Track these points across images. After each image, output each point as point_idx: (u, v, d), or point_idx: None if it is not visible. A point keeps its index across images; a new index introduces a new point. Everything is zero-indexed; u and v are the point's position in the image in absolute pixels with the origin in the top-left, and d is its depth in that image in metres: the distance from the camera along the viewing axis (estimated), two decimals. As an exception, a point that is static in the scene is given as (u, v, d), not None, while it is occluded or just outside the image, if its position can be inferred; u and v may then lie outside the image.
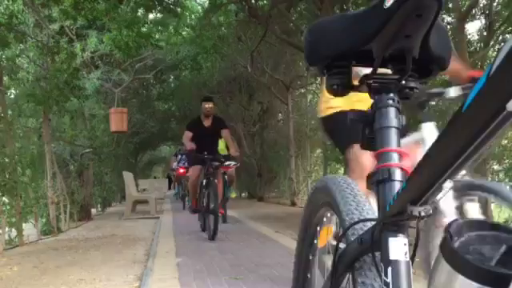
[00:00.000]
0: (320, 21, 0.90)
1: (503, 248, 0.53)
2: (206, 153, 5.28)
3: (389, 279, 0.65)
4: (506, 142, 5.85)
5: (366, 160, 2.04)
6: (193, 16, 11.18)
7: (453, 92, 1.76)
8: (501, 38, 5.84)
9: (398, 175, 0.73)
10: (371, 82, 0.80)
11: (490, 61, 5.54)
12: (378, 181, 0.74)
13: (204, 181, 5.32)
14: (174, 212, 9.15)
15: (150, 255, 4.08)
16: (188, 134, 5.48)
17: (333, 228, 1.02)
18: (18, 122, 7.01)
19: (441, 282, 0.56)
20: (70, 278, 3.34)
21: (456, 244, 0.55)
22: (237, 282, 2.92)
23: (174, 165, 12.47)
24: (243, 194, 16.06)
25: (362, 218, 0.82)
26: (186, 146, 5.55)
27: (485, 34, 6.01)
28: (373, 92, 0.81)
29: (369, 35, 0.75)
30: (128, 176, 9.08)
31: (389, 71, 0.81)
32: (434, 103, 1.85)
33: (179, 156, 11.97)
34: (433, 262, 0.57)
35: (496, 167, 6.27)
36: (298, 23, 8.27)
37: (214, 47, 9.67)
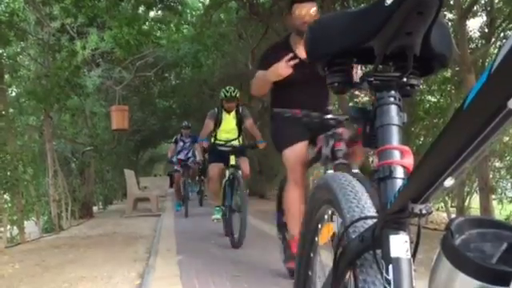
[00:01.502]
0: (321, 18, 0.90)
1: (504, 246, 0.53)
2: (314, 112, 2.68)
3: (390, 276, 0.65)
4: (507, 139, 5.84)
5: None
6: (193, 13, 11.17)
7: None
8: (502, 34, 5.82)
9: (399, 173, 0.73)
10: (372, 79, 0.80)
11: (491, 58, 5.53)
12: (379, 178, 0.74)
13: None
14: (175, 210, 9.15)
15: (152, 253, 4.08)
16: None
17: (334, 225, 1.02)
18: (19, 119, 7.02)
19: (441, 279, 0.56)
20: (72, 276, 3.35)
21: (457, 241, 0.55)
22: (239, 279, 2.92)
23: (174, 157, 8.67)
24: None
25: (363, 215, 0.82)
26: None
27: (486, 30, 6.00)
28: (374, 89, 0.81)
29: (370, 33, 0.75)
30: (129, 174, 9.09)
31: (390, 68, 0.81)
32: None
33: (180, 143, 8.68)
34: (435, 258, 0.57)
35: (497, 164, 6.27)
36: (299, 20, 8.24)
37: (214, 45, 9.66)
